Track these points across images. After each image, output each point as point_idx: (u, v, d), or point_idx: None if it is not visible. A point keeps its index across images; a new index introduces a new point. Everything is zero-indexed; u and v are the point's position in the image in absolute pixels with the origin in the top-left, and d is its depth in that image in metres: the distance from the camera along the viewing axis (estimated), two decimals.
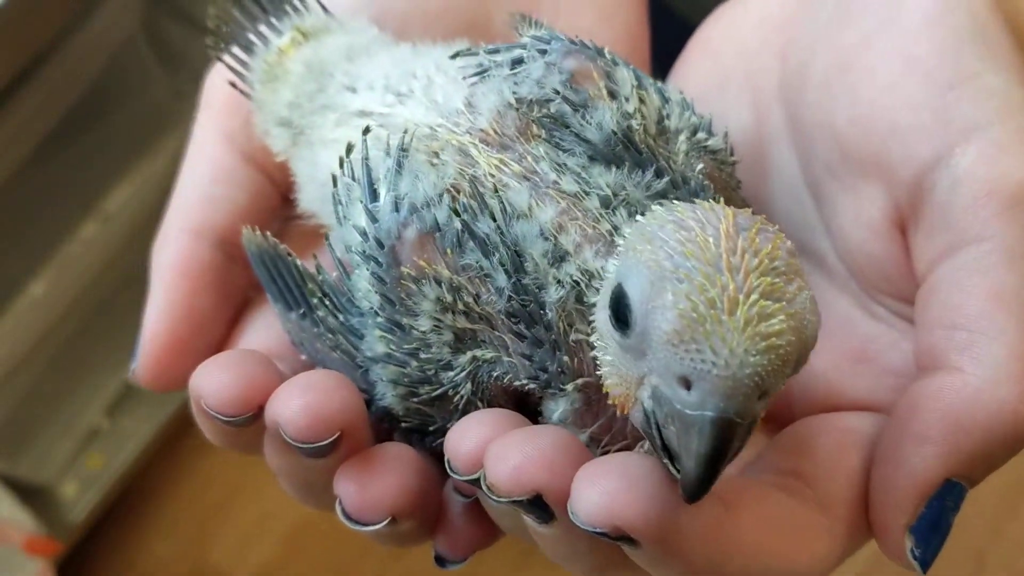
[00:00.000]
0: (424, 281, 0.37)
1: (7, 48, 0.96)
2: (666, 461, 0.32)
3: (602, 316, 0.34)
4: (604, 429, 0.37)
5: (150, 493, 1.29)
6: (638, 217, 0.35)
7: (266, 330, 0.45)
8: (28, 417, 1.20)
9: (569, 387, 0.37)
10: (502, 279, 0.36)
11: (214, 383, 0.37)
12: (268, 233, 0.42)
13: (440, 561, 0.41)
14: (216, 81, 0.47)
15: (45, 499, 1.21)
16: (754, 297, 0.31)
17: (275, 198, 0.47)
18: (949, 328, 0.37)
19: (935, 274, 0.38)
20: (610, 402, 0.35)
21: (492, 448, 0.34)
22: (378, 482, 0.37)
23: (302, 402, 0.36)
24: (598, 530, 0.32)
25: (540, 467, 0.33)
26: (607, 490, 0.31)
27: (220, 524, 1.28)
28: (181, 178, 0.47)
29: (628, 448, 0.37)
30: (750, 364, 0.30)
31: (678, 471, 0.32)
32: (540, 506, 0.33)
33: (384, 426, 0.42)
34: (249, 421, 0.38)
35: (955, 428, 0.35)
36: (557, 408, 0.37)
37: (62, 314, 1.17)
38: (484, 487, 0.34)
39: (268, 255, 0.41)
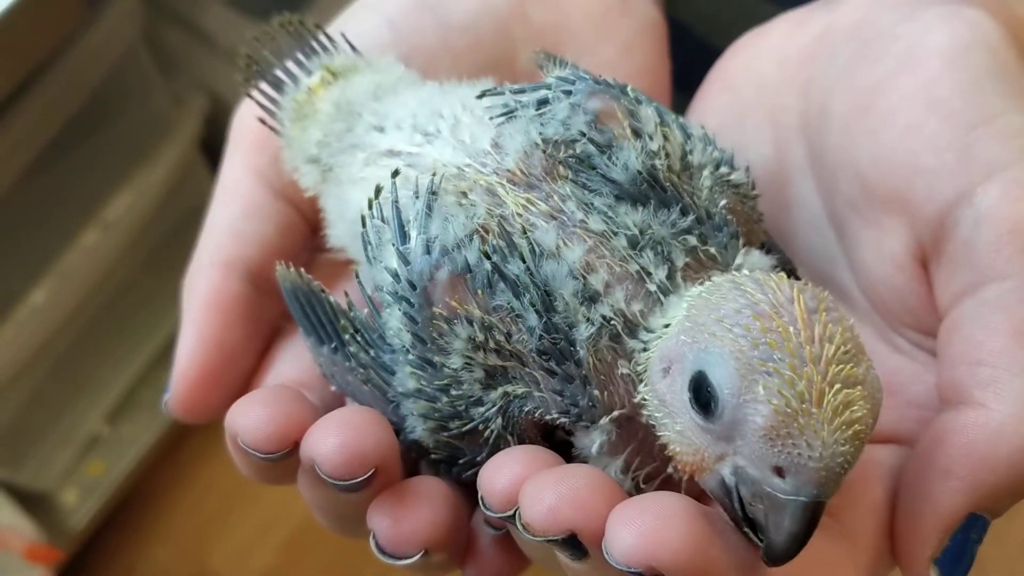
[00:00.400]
0: (456, 321, 0.37)
1: (8, 57, 0.96)
2: (746, 530, 0.34)
3: (669, 388, 0.35)
4: (635, 452, 0.38)
5: (150, 500, 1.30)
6: (696, 289, 0.36)
7: (296, 360, 0.46)
8: (29, 425, 1.20)
9: (603, 421, 0.37)
10: (533, 319, 0.37)
11: (250, 421, 0.38)
12: (302, 270, 0.42)
13: None
14: (245, 117, 0.48)
15: (46, 506, 1.21)
16: (837, 387, 0.33)
17: (304, 231, 0.48)
18: (972, 364, 0.38)
19: (958, 309, 0.39)
20: (677, 468, 0.36)
21: (527, 487, 0.34)
22: (411, 516, 0.38)
23: (338, 440, 0.37)
24: (632, 569, 0.32)
25: (575, 507, 0.34)
26: (642, 530, 0.32)
27: (220, 530, 1.28)
28: (211, 212, 0.47)
29: (658, 470, 0.38)
30: (840, 453, 0.33)
31: (760, 539, 0.34)
32: (574, 544, 0.34)
33: (412, 456, 0.42)
34: (284, 457, 0.38)
35: (979, 463, 0.36)
36: (594, 442, 0.38)
37: (63, 322, 1.17)
38: (519, 525, 0.34)
39: (302, 291, 0.42)
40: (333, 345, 0.41)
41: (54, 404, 1.22)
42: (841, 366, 0.33)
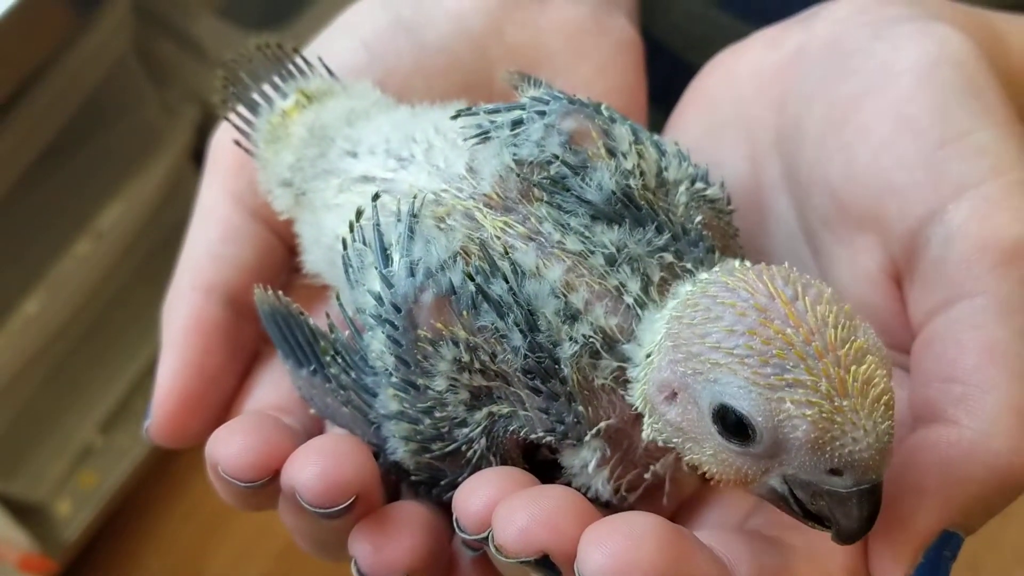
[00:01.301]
0: (441, 343, 0.38)
1: (0, 68, 0.96)
2: (810, 523, 0.35)
3: (683, 417, 0.36)
4: (619, 462, 0.39)
5: (144, 510, 1.29)
6: (669, 311, 0.36)
7: (275, 385, 0.46)
8: (22, 435, 1.20)
9: (589, 435, 0.38)
10: (517, 339, 0.37)
11: (230, 450, 0.39)
12: (280, 293, 0.43)
13: None
14: (223, 141, 0.48)
15: (39, 517, 1.21)
16: (853, 368, 0.33)
17: (282, 254, 0.48)
18: (945, 381, 0.38)
19: (930, 327, 0.39)
20: (715, 482, 0.37)
21: (500, 509, 0.35)
22: (392, 543, 0.38)
23: (318, 469, 0.37)
24: None
25: (546, 528, 0.34)
26: (612, 551, 0.32)
27: (215, 540, 1.28)
28: (190, 237, 0.47)
29: (641, 477, 0.39)
30: (884, 431, 0.33)
31: (827, 528, 0.35)
32: (548, 565, 0.34)
33: (393, 478, 0.43)
34: (265, 485, 0.39)
35: (951, 480, 0.36)
36: (587, 461, 0.38)
37: (56, 332, 1.17)
38: (492, 547, 0.35)
39: (280, 314, 0.42)
40: (312, 368, 0.41)
41: (47, 414, 1.22)
42: (847, 345, 0.33)
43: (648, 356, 0.37)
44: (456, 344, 0.37)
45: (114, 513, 1.25)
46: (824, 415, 0.33)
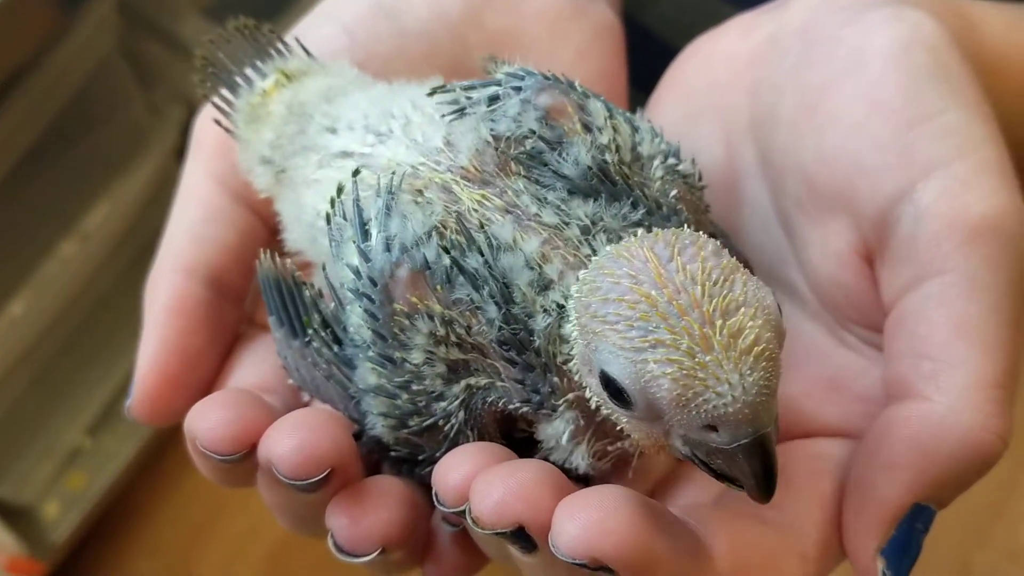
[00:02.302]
0: (417, 316, 0.38)
1: None
2: (726, 483, 0.35)
3: (596, 389, 0.36)
4: (594, 433, 0.39)
5: (133, 512, 1.29)
6: (573, 290, 0.36)
7: (257, 365, 0.46)
8: (9, 438, 1.20)
9: (562, 405, 0.38)
10: (493, 310, 0.37)
11: (208, 423, 0.39)
12: (288, 260, 0.43)
13: None
14: (205, 123, 0.48)
15: (27, 520, 1.20)
16: (719, 323, 0.32)
17: (264, 235, 0.48)
18: (916, 358, 0.39)
19: (901, 305, 0.40)
20: (639, 450, 0.37)
21: (477, 482, 0.35)
22: (369, 515, 0.38)
23: (294, 442, 0.37)
24: (578, 561, 0.33)
25: (521, 500, 0.34)
26: (585, 523, 0.33)
27: (204, 542, 1.27)
28: (172, 218, 0.48)
29: (614, 447, 0.39)
30: (753, 384, 0.32)
31: (740, 487, 0.34)
32: (523, 537, 0.35)
33: (374, 457, 0.43)
34: (243, 459, 0.39)
35: (922, 454, 0.37)
36: (560, 431, 0.39)
37: (42, 334, 1.17)
38: (469, 519, 0.35)
39: (284, 282, 0.42)
40: (307, 339, 0.42)
41: (34, 416, 1.22)
42: (714, 300, 0.33)
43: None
44: (431, 318, 0.38)
45: (102, 515, 1.25)
46: (685, 371, 0.32)
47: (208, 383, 0.46)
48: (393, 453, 0.41)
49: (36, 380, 1.20)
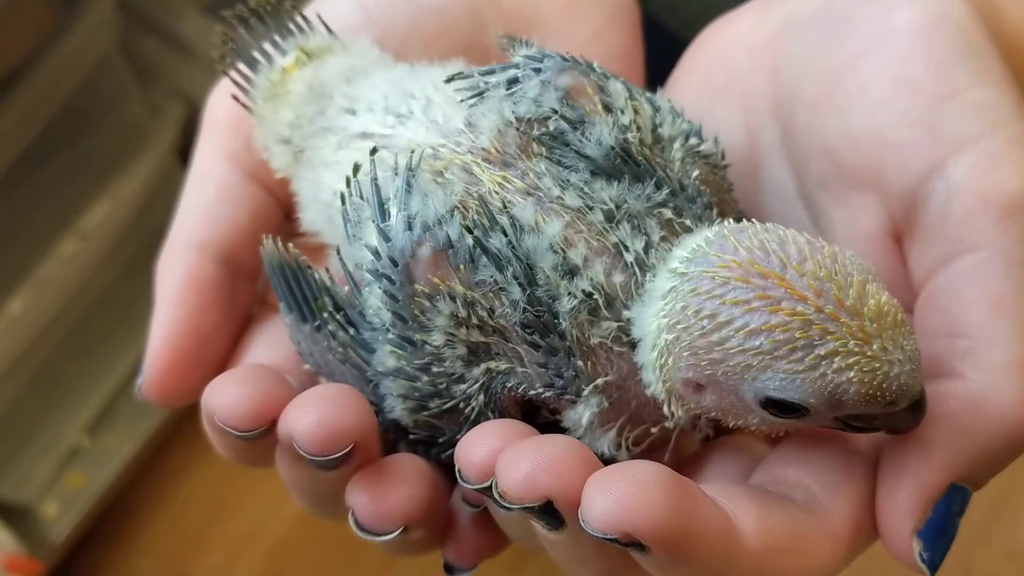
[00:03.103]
0: (438, 297, 0.38)
1: None
2: (861, 432, 0.37)
3: (720, 401, 0.37)
4: (627, 420, 0.39)
5: (132, 512, 1.29)
6: (664, 321, 0.36)
7: (271, 345, 0.46)
8: (7, 437, 1.19)
9: (587, 390, 0.38)
10: (516, 292, 0.37)
11: (227, 398, 0.38)
12: (290, 245, 0.42)
13: (449, 569, 0.42)
14: (220, 101, 0.48)
15: (26, 519, 1.20)
16: (865, 310, 0.34)
17: (278, 215, 0.48)
18: (950, 336, 0.38)
19: (933, 283, 0.40)
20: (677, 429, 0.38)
21: (504, 457, 0.35)
22: (390, 492, 0.38)
23: (315, 416, 0.37)
24: (608, 536, 0.33)
25: (551, 474, 0.34)
26: (617, 497, 0.32)
27: (203, 542, 1.27)
28: (185, 196, 0.47)
29: (648, 432, 0.39)
30: (911, 350, 0.35)
31: (876, 430, 0.37)
32: (550, 513, 0.34)
33: (390, 437, 0.43)
34: (262, 435, 0.38)
35: (958, 434, 0.37)
36: (583, 414, 0.38)
37: (41, 332, 1.17)
38: (495, 495, 0.35)
39: (288, 266, 0.42)
40: (316, 324, 0.41)
41: (33, 416, 1.22)
42: (848, 290, 0.34)
43: (654, 348, 0.37)
44: (453, 299, 0.37)
45: (101, 515, 1.24)
46: (865, 369, 0.34)
47: (221, 361, 0.46)
48: (412, 436, 0.41)
49: (35, 379, 1.20)
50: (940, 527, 0.37)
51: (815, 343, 0.34)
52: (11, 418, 1.19)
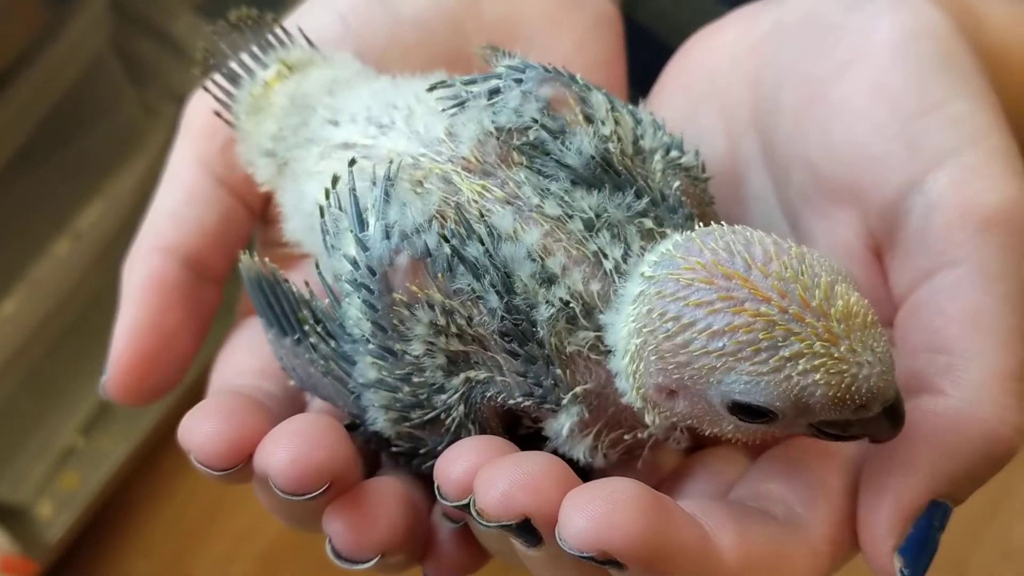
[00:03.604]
0: (417, 306, 0.37)
1: None
2: (840, 441, 0.36)
3: (692, 407, 0.36)
4: (604, 425, 0.39)
5: (127, 512, 1.28)
6: (632, 324, 0.36)
7: (254, 351, 0.46)
8: (1, 437, 1.19)
9: (567, 399, 0.38)
10: (494, 300, 0.37)
11: (200, 437, 0.38)
12: (266, 259, 0.42)
13: None
14: (198, 106, 0.48)
15: (20, 519, 1.20)
16: (833, 311, 0.33)
17: (246, 222, 0.48)
18: (930, 351, 0.38)
19: (914, 297, 0.40)
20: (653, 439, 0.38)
21: (481, 474, 0.34)
22: (368, 522, 0.38)
23: (290, 455, 0.36)
24: (585, 554, 0.33)
25: (528, 492, 0.34)
26: (593, 515, 0.32)
27: (199, 542, 1.27)
28: (156, 199, 0.48)
29: (623, 437, 0.39)
30: (881, 352, 0.34)
31: (854, 438, 0.36)
32: (528, 530, 0.34)
33: (371, 448, 0.43)
34: (240, 471, 0.38)
35: (939, 450, 0.36)
36: (564, 423, 0.38)
37: (34, 332, 1.17)
38: (473, 512, 0.35)
39: (266, 281, 0.42)
40: (296, 337, 0.41)
41: (27, 416, 1.21)
42: (817, 291, 0.33)
43: (626, 354, 0.37)
44: (432, 307, 0.37)
45: (96, 515, 1.24)
46: (832, 371, 0.33)
47: (184, 362, 0.46)
48: (394, 448, 0.41)
49: (29, 379, 1.20)
50: (921, 543, 0.36)
51: (779, 344, 0.33)
52: (5, 418, 1.18)
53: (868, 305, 0.34)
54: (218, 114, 0.46)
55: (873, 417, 0.34)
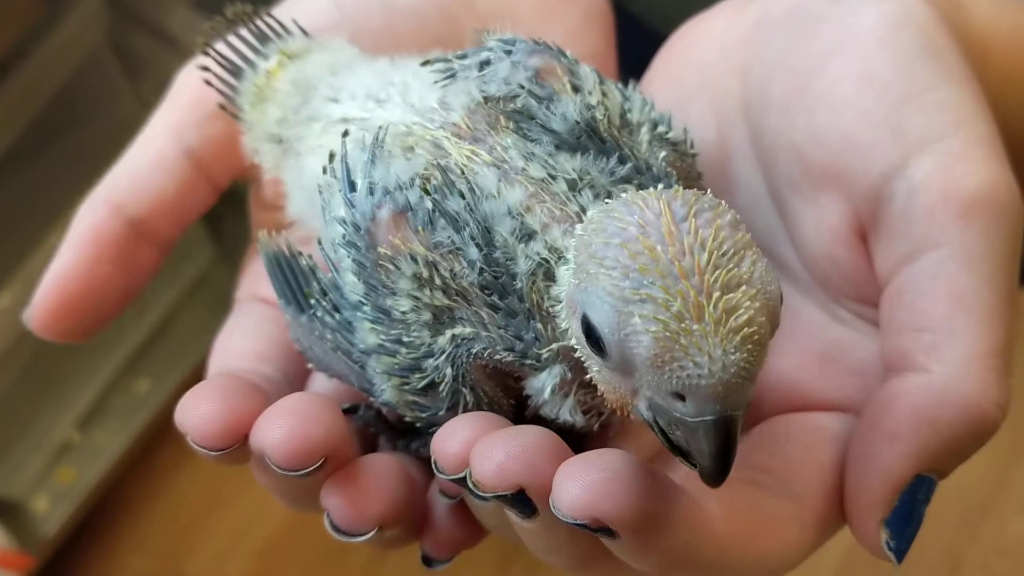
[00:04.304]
0: (400, 259, 0.38)
1: None
2: (679, 458, 0.34)
3: (577, 331, 0.35)
4: (581, 386, 0.39)
5: (123, 507, 1.29)
6: (578, 229, 0.36)
7: (252, 334, 0.47)
8: None
9: (546, 354, 0.38)
10: (473, 252, 0.38)
11: (196, 419, 0.39)
12: (284, 234, 0.44)
13: (427, 561, 0.43)
14: (187, 79, 0.49)
15: (17, 514, 1.20)
16: (716, 295, 0.32)
17: (205, 198, 0.49)
18: (915, 330, 0.39)
19: (898, 279, 0.40)
20: (608, 405, 0.37)
21: (477, 447, 0.35)
22: (365, 495, 0.39)
23: (285, 432, 0.37)
24: (579, 522, 0.33)
25: (523, 463, 0.35)
26: (586, 484, 0.33)
27: (195, 538, 1.27)
28: (123, 157, 0.49)
29: (591, 396, 0.39)
30: (733, 363, 0.32)
31: (693, 465, 0.34)
32: (523, 501, 0.35)
33: (370, 431, 0.44)
34: (236, 451, 0.39)
35: (923, 425, 0.37)
36: (545, 384, 0.39)
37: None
38: (470, 484, 0.35)
39: (283, 258, 0.43)
40: (312, 312, 0.42)
41: (23, 410, 1.22)
42: (717, 271, 0.32)
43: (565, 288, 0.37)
44: (415, 260, 0.38)
45: (93, 510, 1.24)
46: (668, 333, 0.31)
47: (108, 315, 0.47)
48: (406, 418, 0.41)
49: (25, 374, 1.20)
50: (906, 516, 0.37)
51: (645, 282, 0.32)
52: (1, 413, 1.19)
53: (765, 331, 0.32)
54: (223, 107, 0.47)
55: (692, 426, 0.33)
